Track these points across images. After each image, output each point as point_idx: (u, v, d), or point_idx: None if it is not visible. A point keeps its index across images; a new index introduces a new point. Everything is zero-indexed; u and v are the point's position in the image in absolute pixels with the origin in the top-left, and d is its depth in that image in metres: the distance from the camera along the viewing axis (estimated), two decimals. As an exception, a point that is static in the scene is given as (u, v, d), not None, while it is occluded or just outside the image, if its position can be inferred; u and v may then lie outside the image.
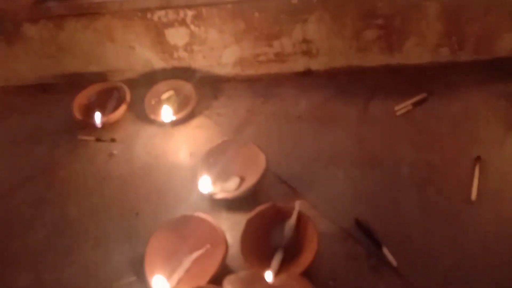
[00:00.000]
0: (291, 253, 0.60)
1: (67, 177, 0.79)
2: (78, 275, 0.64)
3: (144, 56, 0.91)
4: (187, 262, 0.60)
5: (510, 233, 0.60)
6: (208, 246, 0.61)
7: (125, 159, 0.81)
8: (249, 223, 0.62)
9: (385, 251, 0.61)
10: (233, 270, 0.61)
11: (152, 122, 0.85)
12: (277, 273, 0.57)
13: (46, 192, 0.77)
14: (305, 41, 0.85)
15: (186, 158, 0.79)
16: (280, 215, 0.62)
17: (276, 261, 0.59)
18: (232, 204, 0.69)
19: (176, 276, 0.59)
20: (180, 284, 0.58)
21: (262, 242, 0.61)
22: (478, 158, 0.69)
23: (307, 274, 0.57)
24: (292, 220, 0.61)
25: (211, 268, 0.56)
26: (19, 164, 0.83)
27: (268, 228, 0.62)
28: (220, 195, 0.67)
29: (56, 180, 0.79)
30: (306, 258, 0.57)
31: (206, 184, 0.69)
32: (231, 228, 0.66)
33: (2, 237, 0.71)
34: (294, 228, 0.61)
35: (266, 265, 0.58)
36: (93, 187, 0.76)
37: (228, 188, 0.69)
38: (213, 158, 0.73)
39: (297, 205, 0.62)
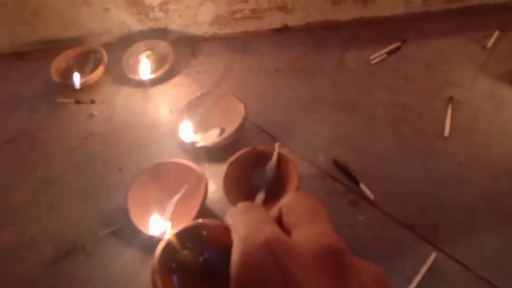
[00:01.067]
0: (273, 193, 0.62)
1: (48, 138, 0.79)
2: (63, 228, 0.65)
3: (120, 18, 0.90)
4: (170, 206, 0.62)
5: (480, 164, 0.63)
6: (186, 186, 0.62)
7: (105, 118, 0.81)
8: (231, 166, 0.63)
9: (362, 186, 0.63)
10: (216, 214, 0.63)
11: (130, 82, 0.85)
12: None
13: (28, 153, 0.77)
14: (280, -5, 0.85)
15: (167, 115, 0.80)
16: (261, 158, 0.64)
17: (258, 199, 0.60)
18: (214, 154, 0.70)
19: (164, 220, 0.60)
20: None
21: (244, 184, 0.63)
22: (450, 98, 0.72)
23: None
24: (273, 160, 0.63)
25: (195, 206, 0.58)
26: (-2, 129, 0.83)
27: (250, 171, 0.64)
28: (201, 143, 0.68)
29: (37, 142, 0.79)
30: (287, 194, 0.59)
31: (187, 133, 0.69)
32: (214, 175, 0.67)
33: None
34: (274, 168, 0.62)
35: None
36: (74, 145, 0.77)
37: (209, 138, 0.70)
38: (193, 111, 0.74)
39: (277, 146, 0.63)
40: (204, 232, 0.54)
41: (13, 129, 0.82)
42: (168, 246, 0.52)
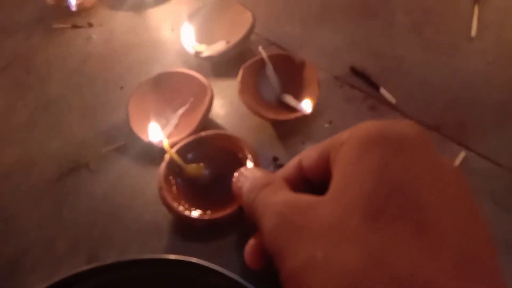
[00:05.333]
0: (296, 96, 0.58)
1: (46, 61, 0.74)
2: (65, 145, 0.62)
3: None
4: (174, 119, 0.58)
5: (511, 61, 0.58)
6: (191, 99, 0.58)
7: (105, 40, 0.76)
8: (246, 70, 0.58)
9: (383, 91, 0.58)
10: (223, 128, 0.59)
11: (129, 3, 0.80)
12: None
13: (26, 76, 0.73)
14: None
15: (168, 34, 0.75)
16: (259, 68, 0.59)
17: (291, 99, 0.56)
18: (219, 69, 0.66)
19: (166, 132, 0.56)
20: (170, 138, 0.55)
21: (256, 91, 0.59)
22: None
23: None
24: (268, 65, 0.58)
25: (198, 117, 0.53)
26: (-7, 56, 0.78)
27: (257, 84, 0.59)
28: (206, 53, 0.64)
29: (34, 65, 0.74)
30: (313, 92, 0.55)
31: (190, 43, 0.65)
32: (220, 90, 0.63)
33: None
34: (273, 71, 0.58)
35: (271, 110, 0.56)
36: (74, 67, 0.72)
37: (215, 49, 0.65)
38: (195, 23, 0.68)
39: (261, 51, 0.58)
40: (205, 142, 0.51)
41: (8, 55, 0.77)
42: (171, 162, 0.49)
